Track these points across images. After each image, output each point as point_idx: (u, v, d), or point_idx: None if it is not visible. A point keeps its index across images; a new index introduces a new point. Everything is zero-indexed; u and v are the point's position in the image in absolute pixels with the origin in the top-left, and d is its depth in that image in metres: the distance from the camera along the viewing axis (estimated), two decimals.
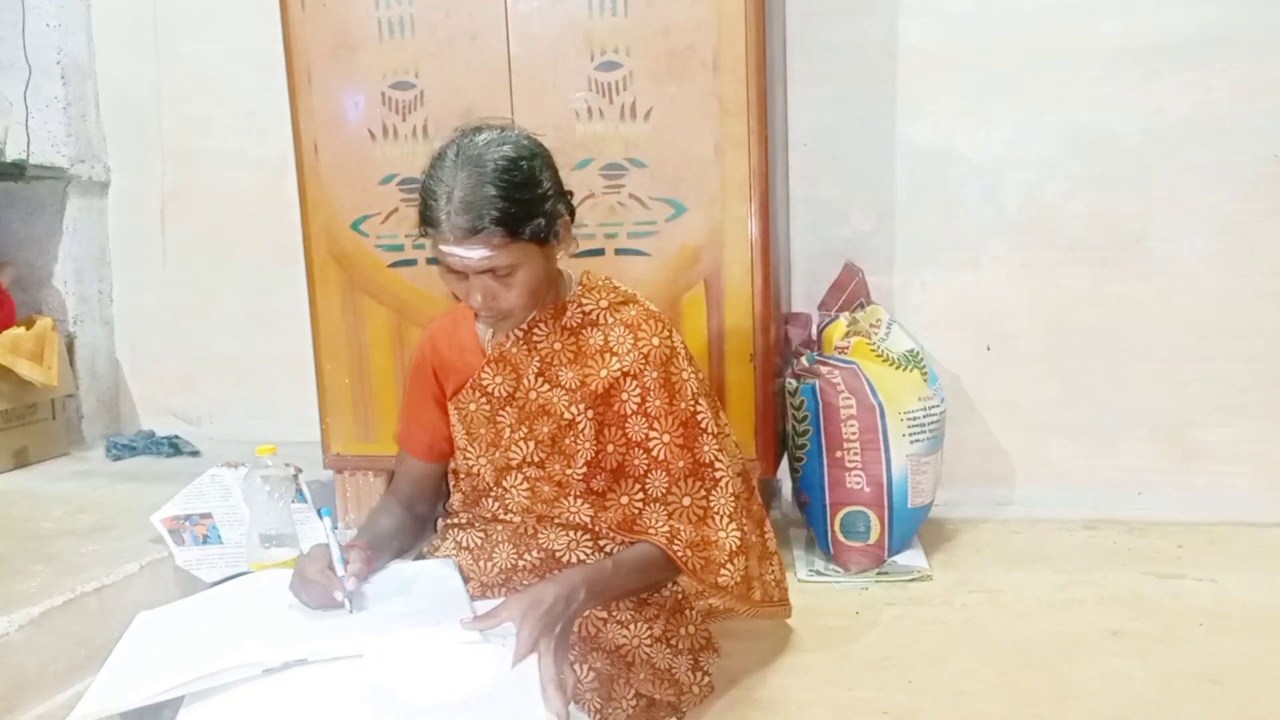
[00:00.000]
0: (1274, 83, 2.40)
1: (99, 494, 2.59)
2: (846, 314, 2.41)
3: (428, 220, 1.38)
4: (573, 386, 1.53)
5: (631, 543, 1.52)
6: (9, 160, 3.00)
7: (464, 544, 1.58)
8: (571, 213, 1.50)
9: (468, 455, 1.61)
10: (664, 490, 1.52)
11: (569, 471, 1.54)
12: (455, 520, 1.65)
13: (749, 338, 2.18)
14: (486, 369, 1.57)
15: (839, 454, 2.19)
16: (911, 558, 2.25)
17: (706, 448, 1.54)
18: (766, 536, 1.73)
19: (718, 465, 1.54)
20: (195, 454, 3.02)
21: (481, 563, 1.53)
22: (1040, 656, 1.77)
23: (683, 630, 1.56)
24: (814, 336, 2.50)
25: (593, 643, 1.45)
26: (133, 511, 2.31)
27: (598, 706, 1.38)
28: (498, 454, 1.58)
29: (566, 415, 1.53)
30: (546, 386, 1.55)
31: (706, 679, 1.57)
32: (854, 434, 2.17)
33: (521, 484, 1.57)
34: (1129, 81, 2.47)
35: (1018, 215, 2.58)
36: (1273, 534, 2.35)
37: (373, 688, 1.19)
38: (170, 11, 3.09)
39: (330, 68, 2.29)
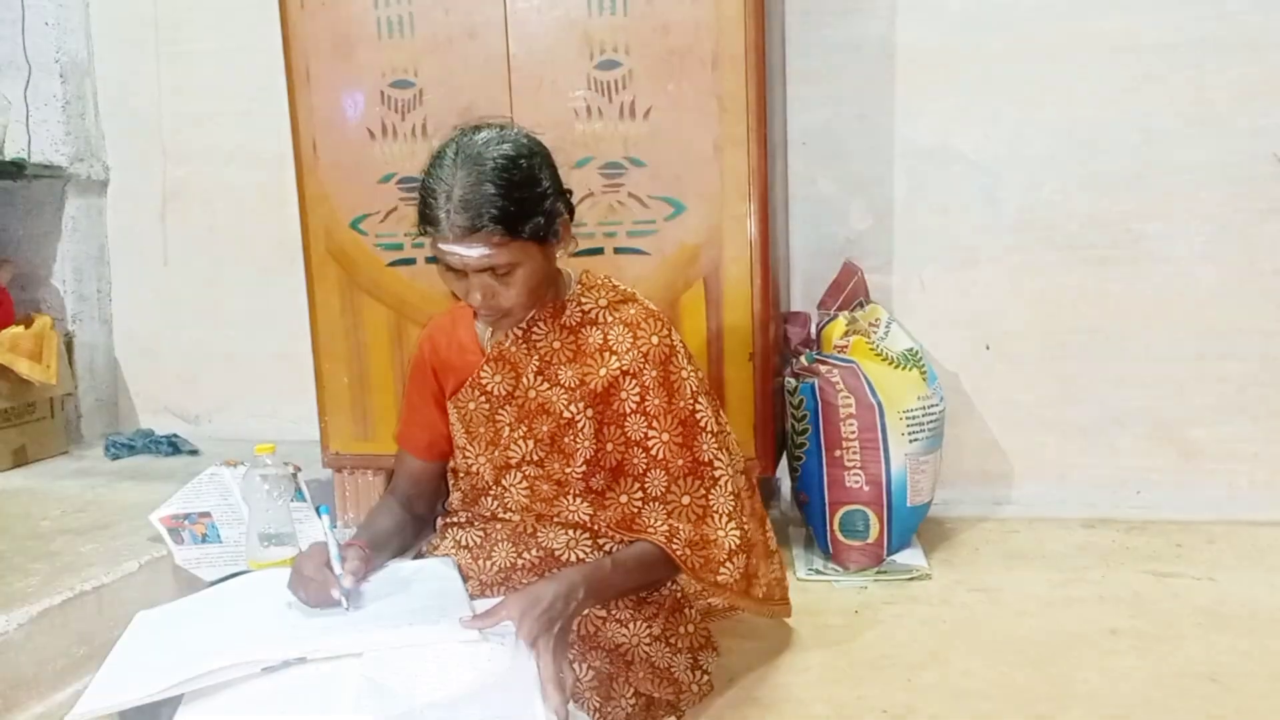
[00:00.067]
0: (1272, 82, 2.41)
1: (98, 493, 2.59)
2: (845, 313, 2.41)
3: (427, 219, 1.38)
4: (572, 385, 1.53)
5: (630, 541, 1.52)
6: (8, 159, 3.00)
7: (463, 543, 1.58)
8: (571, 211, 1.51)
9: (467, 454, 1.61)
10: (663, 489, 1.52)
11: (568, 470, 1.54)
12: (454, 519, 1.65)
13: (748, 337, 2.18)
14: (486, 368, 1.57)
15: (838, 453, 2.19)
16: (910, 557, 2.26)
17: (705, 446, 1.54)
18: (768, 535, 1.73)
19: (717, 464, 1.54)
20: (194, 453, 3.02)
21: (480, 561, 1.53)
22: (1039, 655, 1.77)
23: (682, 629, 1.56)
24: (813, 335, 2.50)
25: (592, 641, 1.45)
26: (132, 510, 2.31)
27: (597, 705, 1.39)
28: (497, 453, 1.58)
29: (566, 414, 1.53)
30: (546, 385, 1.55)
31: (705, 678, 1.57)
32: (853, 433, 2.17)
33: (521, 483, 1.57)
34: (1128, 81, 2.48)
35: (1017, 214, 2.58)
36: (1271, 533, 2.35)
37: (371, 686, 1.19)
38: (169, 10, 3.09)
39: (329, 66, 2.29)
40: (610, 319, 1.55)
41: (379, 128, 2.29)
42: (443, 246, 1.38)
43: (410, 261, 2.31)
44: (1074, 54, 2.49)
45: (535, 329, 1.55)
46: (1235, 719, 1.55)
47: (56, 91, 3.11)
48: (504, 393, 1.57)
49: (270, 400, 3.16)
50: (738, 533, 1.53)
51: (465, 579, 1.47)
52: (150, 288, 3.26)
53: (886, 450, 2.17)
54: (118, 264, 3.29)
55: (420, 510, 1.69)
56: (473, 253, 1.37)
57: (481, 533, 1.58)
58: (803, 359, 2.30)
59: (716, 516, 1.52)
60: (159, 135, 3.16)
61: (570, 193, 1.51)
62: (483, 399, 1.58)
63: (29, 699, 1.73)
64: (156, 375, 3.31)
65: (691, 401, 1.54)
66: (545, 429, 1.55)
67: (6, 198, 3.15)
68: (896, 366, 2.22)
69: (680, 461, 1.52)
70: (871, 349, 2.23)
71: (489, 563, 1.52)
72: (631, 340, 1.53)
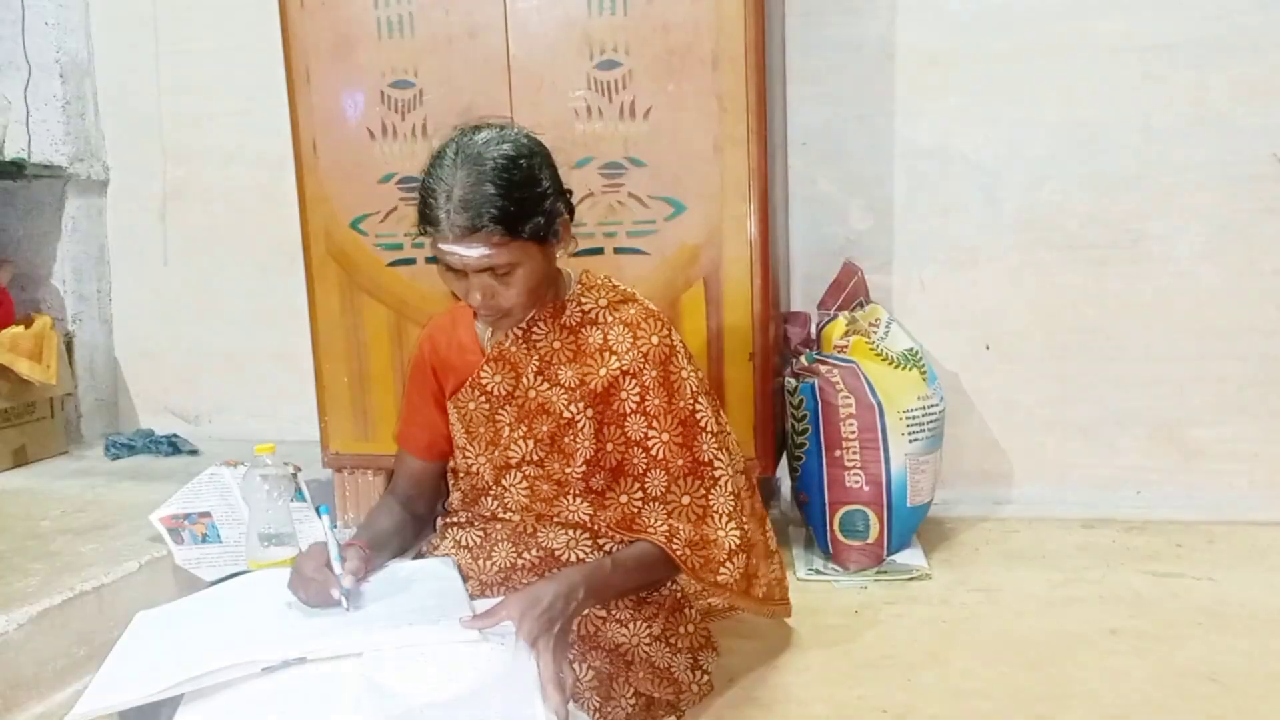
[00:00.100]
0: (1272, 82, 2.41)
1: (98, 493, 2.59)
2: (845, 313, 2.41)
3: (427, 219, 1.38)
4: (572, 385, 1.53)
5: (630, 541, 1.52)
6: (8, 159, 3.00)
7: (463, 543, 1.58)
8: (571, 211, 1.51)
9: (467, 454, 1.61)
10: (663, 489, 1.52)
11: (568, 470, 1.54)
12: (454, 519, 1.65)
13: (748, 337, 2.18)
14: (486, 368, 1.57)
15: (838, 453, 2.19)
16: (910, 556, 2.26)
17: (705, 446, 1.54)
18: (768, 535, 1.73)
19: (717, 464, 1.54)
20: (194, 453, 3.02)
21: (480, 561, 1.53)
22: (1039, 655, 1.77)
23: (682, 629, 1.56)
24: (813, 335, 2.50)
25: (592, 641, 1.45)
26: (132, 510, 2.31)
27: (597, 705, 1.39)
28: (497, 453, 1.58)
29: (566, 414, 1.53)
30: (546, 385, 1.55)
31: (705, 678, 1.57)
32: (853, 433, 2.17)
33: (520, 483, 1.57)
34: (1127, 80, 2.48)
35: (1016, 214, 2.58)
36: (1271, 532, 2.35)
37: (371, 686, 1.19)
38: (169, 10, 3.09)
39: (329, 66, 2.29)
40: (610, 319, 1.55)
41: (379, 128, 2.29)
42: (443, 246, 1.38)
43: (410, 261, 2.31)
44: (1074, 54, 2.49)
45: (535, 329, 1.55)
46: (1235, 719, 1.55)
47: (56, 91, 3.11)
48: (504, 393, 1.57)
49: (270, 400, 3.16)
50: (738, 533, 1.53)
51: (465, 579, 1.47)
52: (150, 288, 3.26)
53: (886, 450, 2.17)
54: (118, 264, 3.29)
55: (420, 510, 1.69)
56: (473, 253, 1.37)
57: (481, 533, 1.58)
58: (803, 359, 2.30)
59: (716, 516, 1.52)
60: (159, 135, 3.16)
61: (570, 193, 1.51)
62: (483, 399, 1.58)
63: (29, 699, 1.73)
64: (156, 375, 3.31)
65: (691, 401, 1.54)
66: (545, 429, 1.54)
67: (6, 198, 3.15)
68: (896, 366, 2.22)
69: (680, 461, 1.52)
70: (871, 349, 2.23)
71: (489, 563, 1.52)
72: (631, 340, 1.53)
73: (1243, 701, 1.59)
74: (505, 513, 1.59)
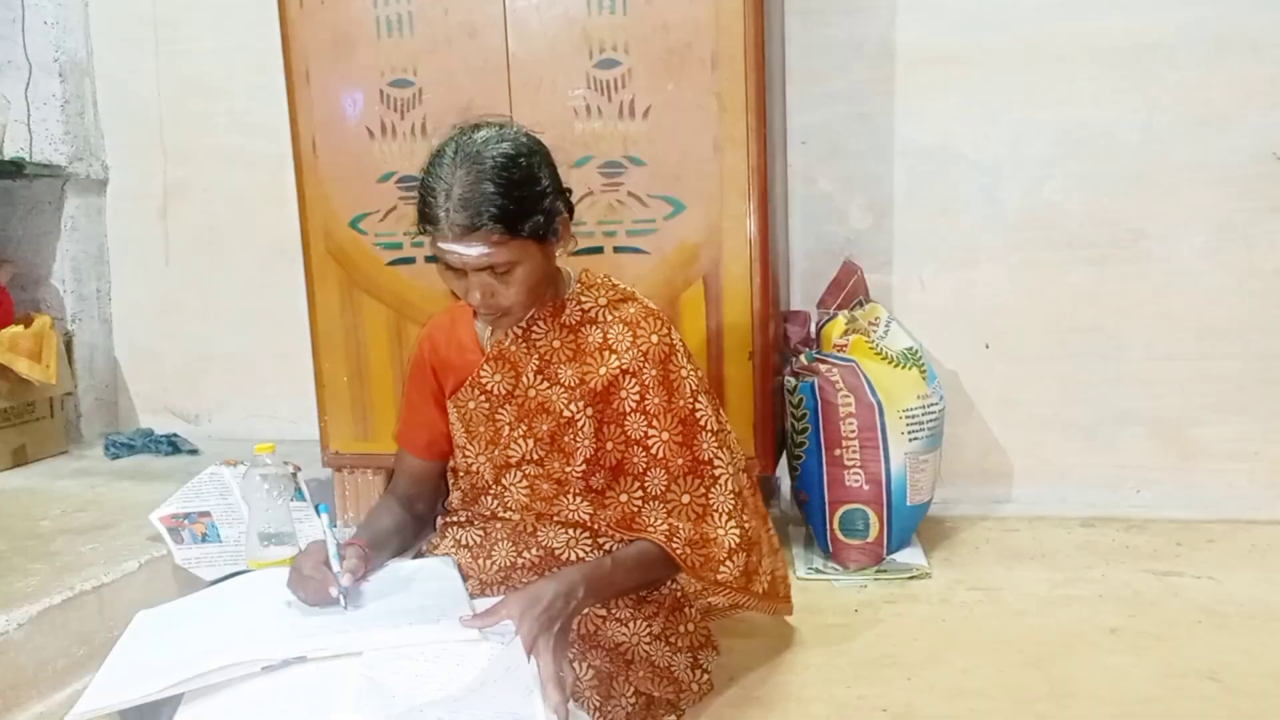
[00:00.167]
0: (1272, 81, 2.41)
1: (98, 492, 2.59)
2: (845, 312, 2.41)
3: (426, 218, 1.38)
4: (572, 384, 1.53)
5: (630, 540, 1.52)
6: (7, 158, 3.00)
7: (463, 542, 1.58)
8: (570, 210, 1.50)
9: (467, 453, 1.61)
10: (663, 488, 1.52)
11: (568, 469, 1.54)
12: (454, 518, 1.65)
13: (748, 335, 2.18)
14: (485, 367, 1.57)
15: (838, 452, 2.19)
16: (910, 555, 2.26)
17: (705, 445, 1.54)
18: (770, 532, 1.73)
19: (716, 463, 1.54)
20: (194, 452, 3.02)
21: (480, 560, 1.53)
22: (1039, 654, 1.77)
23: (682, 628, 1.56)
24: (813, 334, 2.50)
25: (592, 640, 1.45)
26: (131, 510, 2.31)
27: (597, 704, 1.38)
28: (497, 452, 1.58)
29: (566, 413, 1.53)
30: (545, 384, 1.55)
31: (705, 677, 1.57)
32: (853, 432, 2.17)
33: (521, 482, 1.57)
34: (1127, 80, 2.47)
35: (1016, 213, 2.58)
36: (1271, 532, 2.35)
37: (371, 685, 1.19)
38: (168, 9, 3.09)
39: (328, 65, 2.29)
40: (610, 318, 1.55)
41: (378, 127, 2.28)
42: (442, 245, 1.38)
43: (410, 261, 2.31)
44: (1074, 54, 2.49)
45: (535, 328, 1.55)
46: (1235, 718, 1.55)
47: (56, 91, 3.11)
48: (504, 392, 1.57)
49: (270, 400, 3.16)
50: (737, 531, 1.53)
51: (465, 578, 1.47)
52: (150, 287, 3.26)
53: (886, 449, 2.17)
54: (117, 263, 3.29)
55: (420, 509, 1.69)
56: (472, 251, 1.37)
57: (481, 532, 1.58)
58: (802, 358, 2.30)
59: (716, 515, 1.52)
60: (158, 135, 3.16)
61: (570, 191, 1.51)
62: (482, 398, 1.58)
63: (29, 699, 1.73)
64: (156, 375, 3.31)
65: (691, 400, 1.54)
66: (545, 428, 1.54)
67: (6, 197, 3.15)
68: (896, 365, 2.22)
69: (680, 460, 1.52)
70: (871, 348, 2.23)
71: (489, 562, 1.52)
72: (631, 339, 1.53)
73: (1243, 701, 1.59)
74: (505, 512, 1.59)
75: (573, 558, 1.52)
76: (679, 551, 1.49)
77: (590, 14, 2.14)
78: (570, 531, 1.55)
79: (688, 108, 2.13)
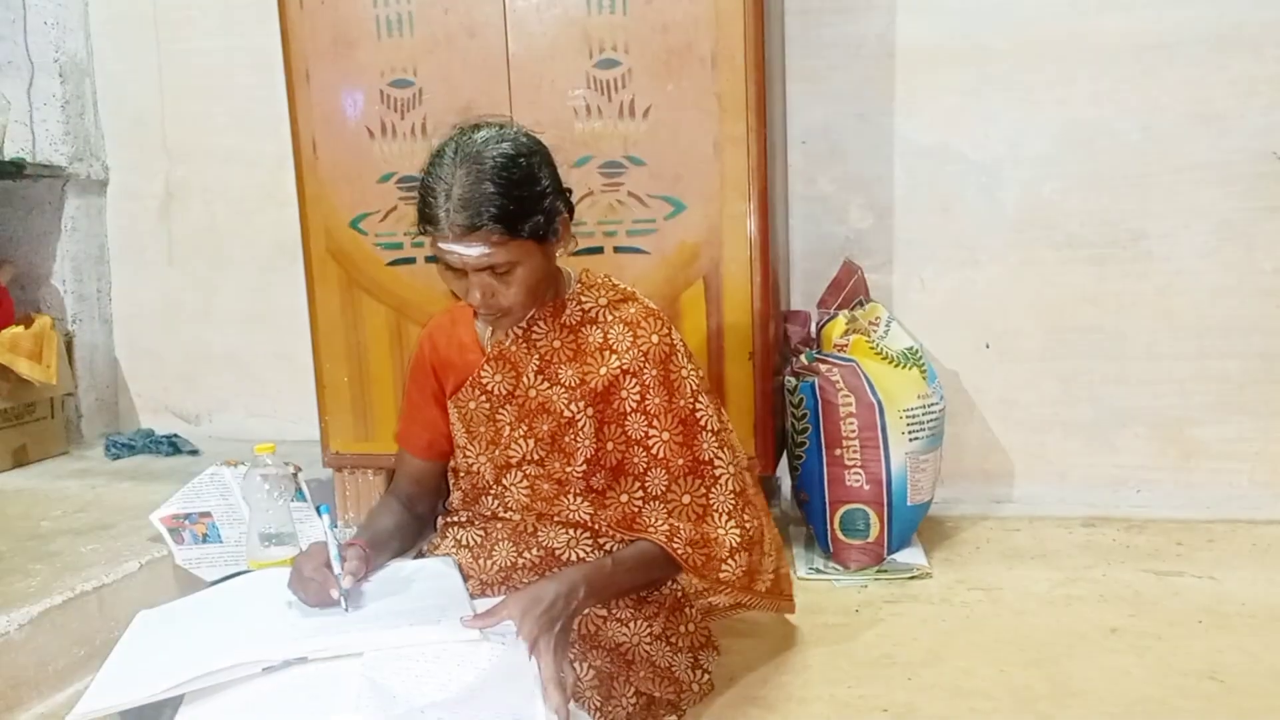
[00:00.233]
0: (1273, 80, 2.41)
1: (98, 493, 2.59)
2: (845, 312, 2.41)
3: (426, 218, 1.38)
4: (572, 384, 1.53)
5: (631, 540, 1.52)
6: (7, 159, 3.00)
7: (464, 542, 1.58)
8: (570, 210, 1.50)
9: (467, 453, 1.61)
10: (664, 488, 1.52)
11: (569, 469, 1.54)
12: (455, 518, 1.65)
13: (748, 335, 2.18)
14: (486, 367, 1.57)
15: (838, 452, 2.19)
16: (911, 555, 2.25)
17: (706, 445, 1.54)
18: (775, 530, 1.73)
19: (717, 462, 1.54)
20: (194, 453, 3.02)
21: (481, 561, 1.53)
22: (1039, 654, 1.77)
23: (682, 628, 1.56)
24: (813, 334, 2.50)
25: (592, 641, 1.45)
26: (132, 510, 2.31)
27: (598, 704, 1.38)
28: (497, 452, 1.58)
29: (566, 413, 1.53)
30: (546, 384, 1.55)
31: (706, 677, 1.58)
32: (853, 432, 2.17)
33: (521, 482, 1.57)
34: (1128, 79, 2.47)
35: (1016, 213, 2.58)
36: (1271, 531, 2.35)
37: (372, 685, 1.19)
38: (168, 9, 3.09)
39: (328, 66, 2.28)
40: (610, 318, 1.55)
41: (378, 127, 2.28)
42: (442, 245, 1.38)
43: (410, 261, 2.31)
44: (1074, 52, 2.49)
45: (535, 328, 1.55)
46: (1235, 718, 1.55)
47: (56, 91, 3.11)
48: (504, 392, 1.57)
49: (270, 400, 3.16)
50: (738, 531, 1.53)
51: (466, 578, 1.47)
52: (150, 287, 3.26)
53: (887, 449, 2.17)
54: (117, 263, 3.29)
55: (421, 510, 1.68)
56: (472, 251, 1.37)
57: (482, 532, 1.58)
58: (803, 358, 2.30)
59: (717, 515, 1.52)
60: (158, 135, 3.17)
61: (570, 191, 1.51)
62: (483, 398, 1.58)
63: (30, 699, 1.73)
64: (156, 375, 3.31)
65: (692, 400, 1.54)
66: (546, 428, 1.54)
67: (6, 198, 3.15)
68: (896, 365, 2.22)
69: (680, 460, 1.52)
70: (871, 348, 2.23)
71: (489, 562, 1.52)
72: (632, 339, 1.53)
73: (1243, 700, 1.59)
74: (506, 512, 1.59)
75: (573, 558, 1.52)
76: (680, 552, 1.49)
77: (590, 14, 2.14)
78: (571, 532, 1.55)
79: (688, 108, 2.12)
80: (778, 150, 2.40)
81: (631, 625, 1.50)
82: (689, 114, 2.13)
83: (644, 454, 1.52)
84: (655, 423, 1.52)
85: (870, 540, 2.20)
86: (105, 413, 3.30)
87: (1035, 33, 2.50)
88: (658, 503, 1.52)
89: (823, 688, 1.67)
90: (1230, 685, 1.63)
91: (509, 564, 1.51)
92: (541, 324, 1.55)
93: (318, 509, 1.48)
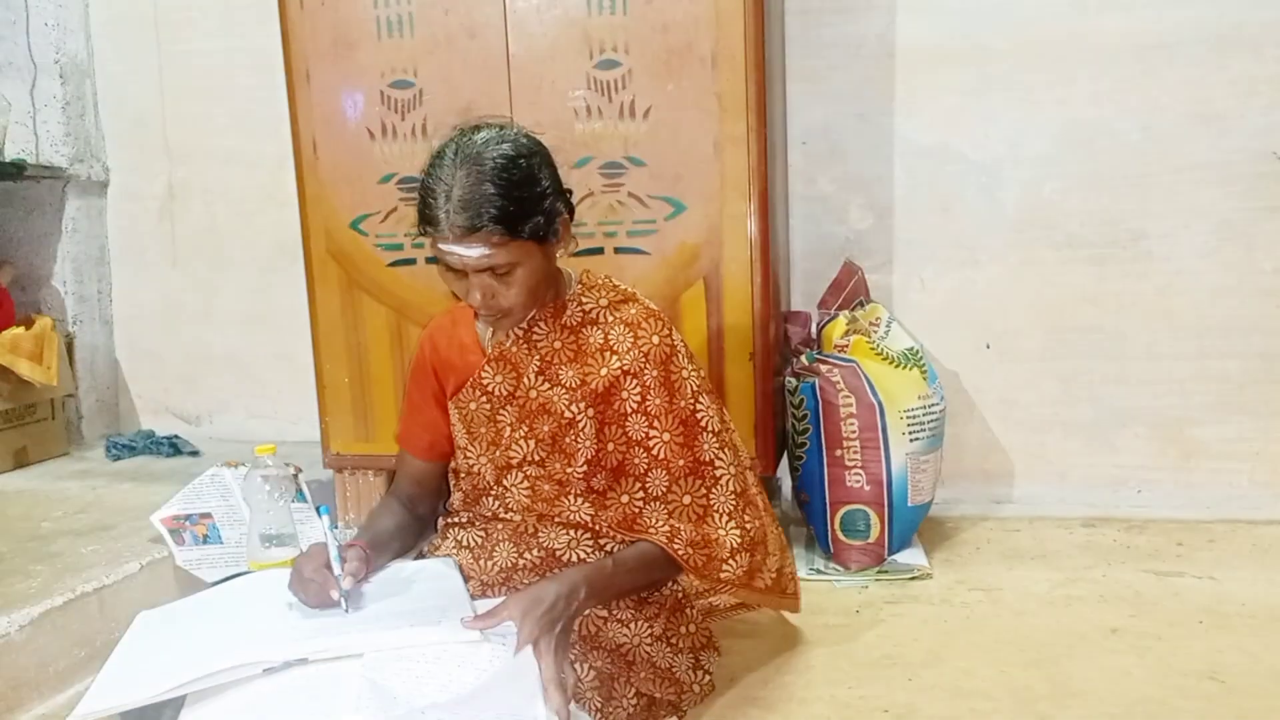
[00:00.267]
0: (1273, 80, 2.41)
1: (99, 494, 2.59)
2: (846, 312, 2.41)
3: (427, 219, 1.38)
4: (573, 385, 1.53)
5: (632, 541, 1.52)
6: (8, 160, 3.00)
7: (464, 543, 1.58)
8: (571, 211, 1.50)
9: (468, 454, 1.61)
10: (664, 489, 1.52)
11: (569, 470, 1.54)
12: (455, 519, 1.65)
13: (748, 336, 2.18)
14: (487, 368, 1.57)
15: (839, 452, 2.19)
16: (911, 556, 2.25)
17: (706, 446, 1.54)
18: (778, 529, 1.73)
19: (718, 463, 1.54)
20: (195, 454, 3.02)
21: (482, 561, 1.53)
22: (1040, 654, 1.77)
23: (683, 629, 1.56)
24: (813, 335, 2.50)
25: (593, 641, 1.45)
26: (133, 511, 2.31)
27: (598, 705, 1.38)
28: (498, 453, 1.58)
29: (567, 414, 1.53)
30: (547, 385, 1.55)
31: (707, 677, 1.58)
32: (853, 432, 2.17)
33: (522, 483, 1.57)
34: (1128, 79, 2.47)
35: (1016, 213, 2.58)
36: (1272, 531, 2.35)
37: (373, 686, 1.19)
38: (169, 10, 3.09)
39: (329, 66, 2.28)
40: (611, 319, 1.55)
41: (379, 128, 2.28)
42: (442, 246, 1.38)
43: (410, 262, 2.31)
44: (1074, 52, 2.49)
45: (536, 329, 1.55)
46: (1236, 718, 1.55)
47: (56, 92, 3.11)
48: (505, 393, 1.57)
49: (271, 401, 3.17)
50: (738, 531, 1.53)
51: (466, 579, 1.47)
52: (150, 288, 3.26)
53: (887, 449, 2.17)
54: (118, 265, 3.29)
55: (422, 511, 1.68)
56: (472, 252, 1.37)
57: (483, 533, 1.58)
58: (803, 358, 2.30)
59: (717, 516, 1.52)
60: (159, 136, 3.17)
61: (570, 192, 1.51)
62: (484, 399, 1.58)
63: (30, 700, 1.73)
64: (157, 376, 3.31)
65: (692, 401, 1.54)
66: (546, 429, 1.54)
67: (6, 199, 3.15)
68: (897, 366, 2.22)
69: (681, 461, 1.52)
70: (872, 348, 2.23)
71: (490, 563, 1.52)
72: (632, 340, 1.53)
73: (1244, 701, 1.59)
74: (506, 513, 1.59)
75: (574, 559, 1.52)
76: (680, 552, 1.49)
77: (590, 14, 2.14)
78: (571, 533, 1.55)
79: (688, 108, 2.13)
80: (778, 150, 2.40)
81: (632, 626, 1.50)
82: (689, 114, 2.13)
83: (645, 455, 1.52)
84: (656, 423, 1.52)
85: (871, 541, 2.20)
86: (106, 414, 3.31)
87: (1035, 33, 2.50)
88: (658, 503, 1.52)
89: (823, 688, 1.67)
90: (1230, 686, 1.63)
91: (509, 565, 1.51)
92: (542, 325, 1.55)
93: (318, 510, 1.48)
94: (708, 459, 1.53)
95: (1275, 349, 2.48)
